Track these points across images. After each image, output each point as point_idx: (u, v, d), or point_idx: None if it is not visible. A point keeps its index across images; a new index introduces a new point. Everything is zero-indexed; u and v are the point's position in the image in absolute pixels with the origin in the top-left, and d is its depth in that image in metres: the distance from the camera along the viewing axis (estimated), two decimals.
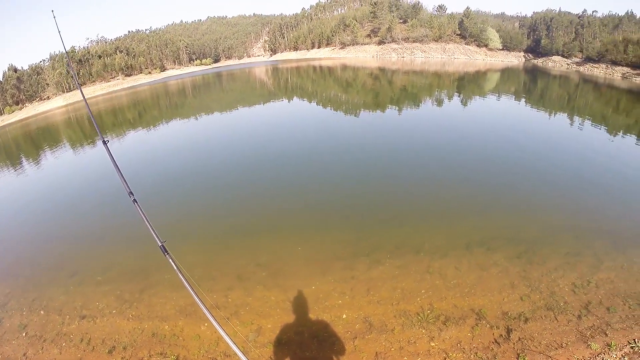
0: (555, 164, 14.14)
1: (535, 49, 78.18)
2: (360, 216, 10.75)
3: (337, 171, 14.67)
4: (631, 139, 18.93)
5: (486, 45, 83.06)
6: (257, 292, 7.57)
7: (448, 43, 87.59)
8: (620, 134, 19.89)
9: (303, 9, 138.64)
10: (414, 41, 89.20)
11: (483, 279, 7.40)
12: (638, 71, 48.13)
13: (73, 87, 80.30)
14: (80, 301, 8.04)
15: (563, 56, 69.25)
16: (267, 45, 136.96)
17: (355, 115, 27.28)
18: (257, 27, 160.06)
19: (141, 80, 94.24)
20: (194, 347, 6.36)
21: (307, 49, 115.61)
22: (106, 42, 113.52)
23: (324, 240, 9.50)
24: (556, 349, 5.54)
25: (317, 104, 34.82)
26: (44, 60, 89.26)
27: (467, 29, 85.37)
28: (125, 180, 3.68)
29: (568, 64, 65.11)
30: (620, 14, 70.05)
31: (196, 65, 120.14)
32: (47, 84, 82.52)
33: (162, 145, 22.94)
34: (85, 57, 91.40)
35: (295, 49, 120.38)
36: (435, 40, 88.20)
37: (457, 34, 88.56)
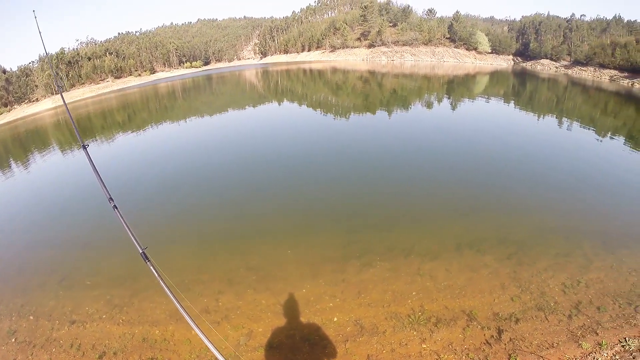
0: (545, 166, 14.30)
1: (524, 53, 79.00)
2: (350, 219, 10.71)
3: (327, 174, 14.66)
4: (619, 140, 19.22)
5: (475, 49, 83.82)
6: (248, 296, 7.52)
7: (437, 46, 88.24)
8: (609, 135, 20.19)
9: (293, 12, 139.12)
10: (403, 44, 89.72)
11: (473, 280, 7.43)
12: (625, 74, 48.84)
13: (62, 89, 79.22)
14: (69, 306, 7.92)
15: (551, 59, 70.02)
16: (257, 48, 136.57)
17: (345, 118, 27.30)
18: (248, 29, 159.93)
19: (131, 82, 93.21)
20: (184, 351, 6.29)
21: (298, 52, 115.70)
22: (96, 44, 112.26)
23: (314, 244, 9.47)
24: (547, 348, 5.58)
25: (307, 107, 34.77)
26: (33, 61, 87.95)
27: (456, 33, 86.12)
28: (105, 186, 3.63)
29: (556, 67, 65.88)
30: (608, 18, 71.01)
31: (186, 67, 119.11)
32: (36, 86, 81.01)
33: (151, 149, 22.66)
34: (74, 59, 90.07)
35: (286, 51, 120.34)
36: (424, 44, 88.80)
37: (446, 38, 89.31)
